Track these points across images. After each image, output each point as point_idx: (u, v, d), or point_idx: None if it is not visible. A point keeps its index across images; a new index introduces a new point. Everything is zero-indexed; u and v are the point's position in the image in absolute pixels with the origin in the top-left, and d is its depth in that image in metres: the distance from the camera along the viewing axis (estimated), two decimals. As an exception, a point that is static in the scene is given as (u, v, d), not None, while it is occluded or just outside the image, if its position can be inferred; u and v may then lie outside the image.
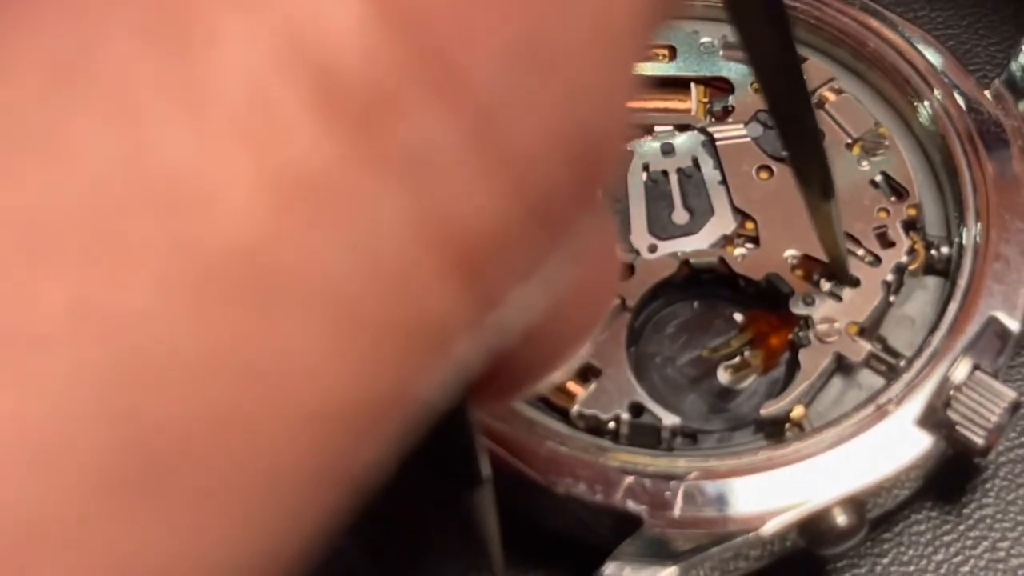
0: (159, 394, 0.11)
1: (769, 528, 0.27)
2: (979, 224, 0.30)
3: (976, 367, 0.28)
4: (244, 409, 0.11)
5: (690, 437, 0.29)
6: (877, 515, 0.28)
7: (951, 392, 0.28)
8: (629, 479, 0.27)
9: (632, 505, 0.27)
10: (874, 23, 0.33)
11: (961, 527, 0.30)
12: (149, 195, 0.11)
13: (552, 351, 0.17)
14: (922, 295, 0.31)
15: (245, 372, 0.11)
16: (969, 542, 0.29)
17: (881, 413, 0.28)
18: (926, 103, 0.32)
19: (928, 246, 0.31)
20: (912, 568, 0.29)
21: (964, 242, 0.30)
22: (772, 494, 0.27)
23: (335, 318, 0.11)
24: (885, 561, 0.29)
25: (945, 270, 0.31)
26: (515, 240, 0.12)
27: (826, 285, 0.30)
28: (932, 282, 0.31)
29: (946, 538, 0.30)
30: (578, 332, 0.17)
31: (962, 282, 0.30)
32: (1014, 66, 0.32)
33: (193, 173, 0.11)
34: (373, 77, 0.11)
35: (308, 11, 0.11)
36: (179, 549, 0.11)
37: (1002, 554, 0.29)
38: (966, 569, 0.29)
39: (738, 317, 0.31)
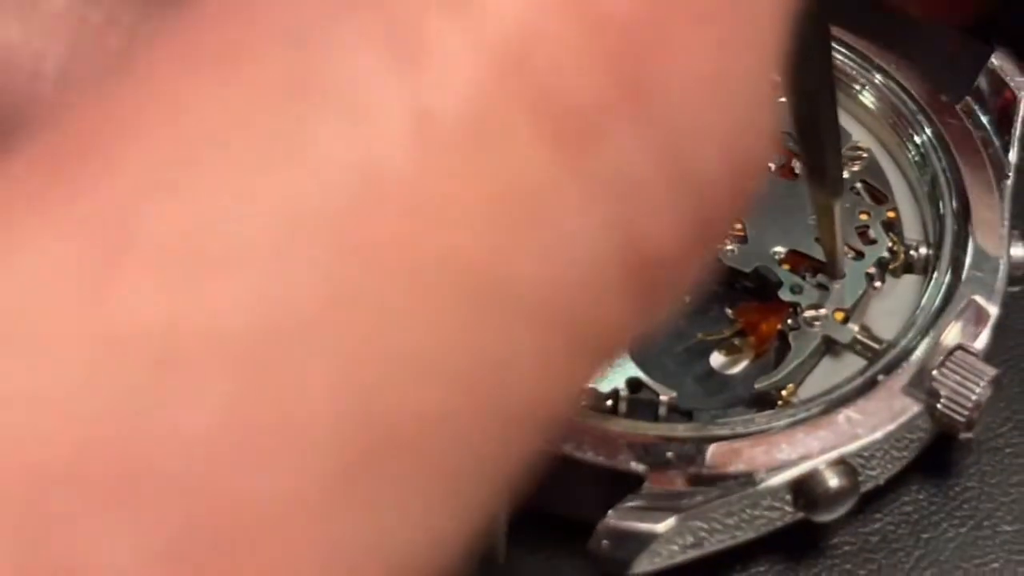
0: (392, 388, 0.12)
1: (764, 484, 0.27)
2: (956, 224, 0.32)
3: (958, 347, 0.29)
4: (462, 404, 0.12)
5: (686, 415, 0.30)
6: (868, 489, 0.29)
7: (934, 371, 0.29)
8: (630, 441, 0.28)
9: (634, 465, 0.28)
10: (847, 41, 0.35)
11: (948, 507, 0.31)
12: (378, 199, 0.11)
13: None
14: (903, 291, 0.32)
15: (465, 370, 0.12)
16: (956, 520, 0.30)
17: (870, 382, 0.29)
18: (903, 118, 0.34)
19: (907, 247, 0.33)
20: (901, 544, 0.30)
21: (942, 240, 0.32)
22: (767, 455, 0.28)
23: (540, 323, 0.12)
24: (875, 539, 0.30)
25: (924, 268, 0.32)
26: (686, 256, 0.13)
27: (813, 278, 0.32)
28: (912, 279, 0.32)
29: (934, 517, 0.31)
30: None
31: (942, 270, 0.31)
32: (981, 81, 0.34)
33: (418, 183, 0.11)
34: (584, 99, 0.12)
35: (527, 31, 0.11)
36: (399, 534, 0.12)
37: (987, 532, 0.30)
38: (953, 545, 0.30)
39: (728, 312, 0.32)
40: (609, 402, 0.30)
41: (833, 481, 0.28)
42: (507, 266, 0.12)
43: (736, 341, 0.32)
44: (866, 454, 0.28)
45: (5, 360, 0.11)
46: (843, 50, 0.35)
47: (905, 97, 0.34)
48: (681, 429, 0.29)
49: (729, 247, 0.32)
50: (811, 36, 0.24)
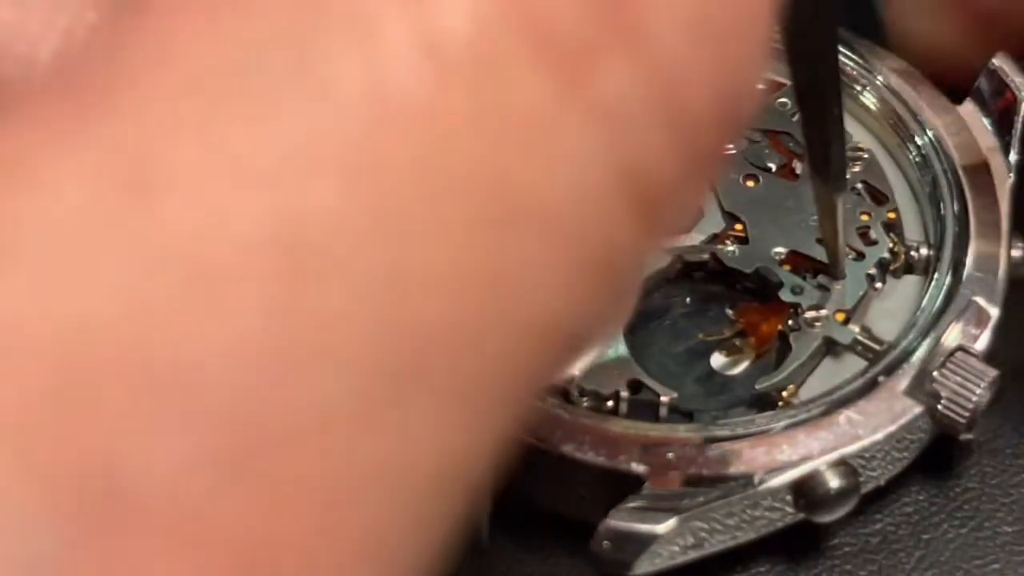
0: (418, 298, 0.12)
1: (765, 485, 0.27)
2: (956, 225, 0.32)
3: (959, 348, 0.29)
4: (484, 315, 0.13)
5: (687, 415, 0.30)
6: (869, 491, 0.29)
7: (935, 372, 0.29)
8: (631, 442, 0.28)
9: (634, 465, 0.28)
10: (849, 42, 0.35)
11: (948, 508, 0.31)
12: (393, 121, 0.12)
13: None
14: (903, 292, 0.32)
15: (485, 279, 0.13)
16: (956, 521, 0.30)
17: (871, 384, 0.29)
18: (904, 119, 0.34)
19: (908, 248, 0.33)
20: (901, 545, 0.30)
21: (943, 241, 0.32)
22: (768, 456, 0.28)
23: (550, 235, 0.13)
24: (876, 540, 0.30)
25: (925, 269, 0.32)
26: (681, 182, 0.14)
27: (814, 279, 0.32)
28: (913, 280, 0.32)
29: (934, 518, 0.31)
30: None
31: (943, 271, 0.31)
32: (982, 82, 0.34)
33: (431, 104, 0.12)
34: (580, 31, 0.13)
35: None
36: (431, 444, 0.13)
37: (988, 532, 0.30)
38: (954, 546, 0.30)
39: (729, 312, 0.32)
40: (610, 403, 0.30)
41: (834, 482, 0.28)
42: (517, 181, 0.13)
43: (737, 342, 0.32)
44: (867, 455, 0.28)
45: (61, 268, 0.11)
46: (845, 51, 0.35)
47: (906, 98, 0.34)
48: (682, 430, 0.29)
49: (730, 248, 0.32)
50: (819, 28, 0.24)
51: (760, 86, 0.15)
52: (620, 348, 0.30)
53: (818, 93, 0.26)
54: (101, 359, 0.11)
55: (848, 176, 0.33)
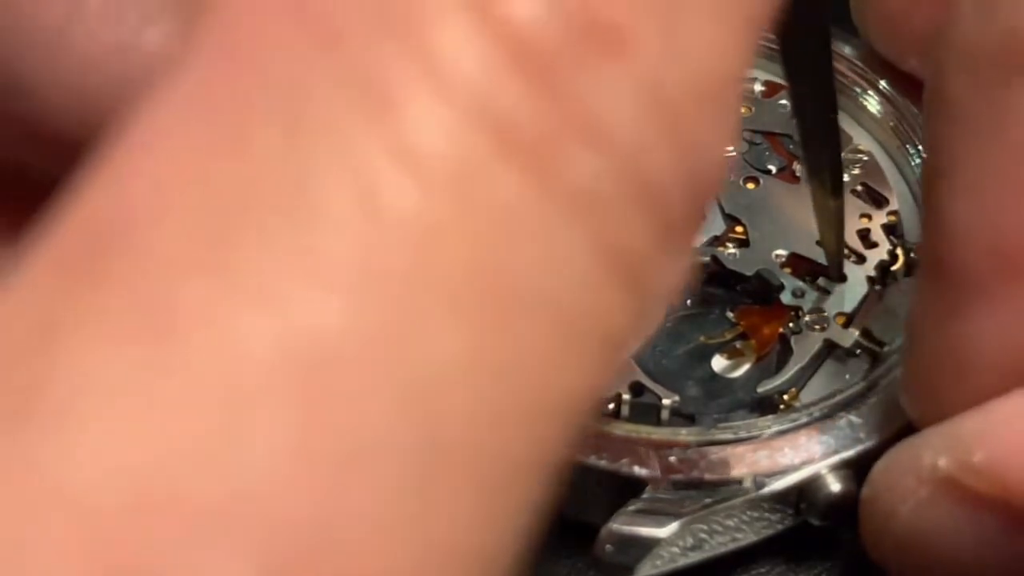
0: (436, 396, 0.13)
1: (766, 488, 0.28)
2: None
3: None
4: (498, 404, 0.13)
5: (688, 418, 0.30)
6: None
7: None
8: (633, 445, 0.28)
9: (636, 469, 0.28)
10: (845, 50, 0.35)
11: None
12: (387, 233, 0.13)
13: None
14: (904, 294, 0.32)
15: (503, 370, 0.13)
16: (956, 524, 0.30)
17: (872, 386, 0.29)
18: (905, 121, 0.34)
19: (908, 251, 0.33)
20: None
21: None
22: (769, 459, 0.28)
23: (548, 319, 0.14)
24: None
25: (925, 272, 0.32)
26: (662, 253, 0.15)
27: (815, 282, 0.32)
28: (913, 282, 0.32)
29: (934, 520, 0.31)
30: None
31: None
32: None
33: (420, 215, 0.13)
34: (538, 126, 0.13)
35: (485, 86, 0.13)
36: (460, 537, 0.13)
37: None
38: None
39: (730, 315, 0.32)
40: (611, 406, 0.30)
41: (835, 485, 0.28)
42: (507, 271, 0.13)
43: (738, 345, 0.32)
44: (868, 458, 0.28)
45: (100, 423, 0.12)
46: (846, 55, 0.35)
47: (907, 100, 0.34)
48: (683, 433, 0.29)
49: (731, 250, 0.32)
50: (812, 34, 0.24)
51: (729, 151, 0.16)
52: (621, 351, 0.30)
53: (813, 96, 0.26)
54: (151, 504, 0.12)
55: (848, 178, 0.33)
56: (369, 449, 0.12)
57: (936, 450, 0.24)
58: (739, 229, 0.33)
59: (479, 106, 0.13)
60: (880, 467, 0.27)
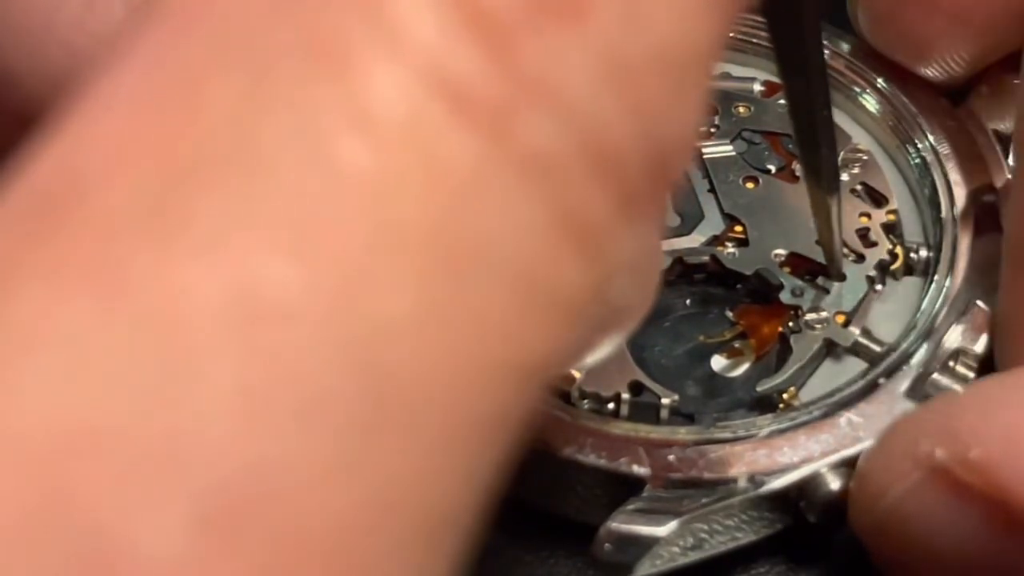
0: (387, 349, 0.13)
1: (766, 487, 0.28)
2: (957, 228, 0.32)
3: (959, 350, 0.30)
4: (449, 361, 0.13)
5: (687, 417, 0.30)
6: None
7: (935, 375, 0.29)
8: (632, 444, 0.28)
9: (636, 468, 0.28)
10: (843, 48, 0.35)
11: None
12: (343, 190, 0.13)
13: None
14: (903, 293, 0.32)
15: (453, 327, 0.13)
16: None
17: (871, 385, 0.29)
18: (904, 121, 0.34)
19: (907, 250, 0.33)
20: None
21: (943, 242, 0.32)
22: (769, 458, 0.28)
23: (504, 279, 0.14)
24: (876, 541, 0.30)
25: (925, 271, 0.32)
26: (620, 221, 0.15)
27: (814, 281, 0.32)
28: (913, 281, 0.32)
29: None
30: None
31: (942, 273, 0.31)
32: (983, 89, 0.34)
33: (373, 174, 0.13)
34: (492, 90, 0.14)
35: (442, 50, 0.13)
36: (404, 492, 0.13)
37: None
38: (954, 548, 0.30)
39: (729, 314, 0.32)
40: (611, 405, 0.30)
41: (834, 484, 0.28)
42: (461, 231, 0.14)
43: (737, 344, 0.32)
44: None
45: (54, 369, 0.12)
46: (845, 53, 0.35)
47: (906, 100, 0.34)
48: (683, 432, 0.29)
49: (730, 250, 0.32)
50: (804, 33, 0.24)
51: (698, 126, 0.16)
52: (621, 350, 0.30)
53: (807, 95, 0.26)
54: (92, 446, 0.12)
55: (847, 178, 0.33)
56: (312, 399, 0.13)
57: (934, 440, 0.24)
58: (738, 228, 0.33)
59: (435, 69, 0.13)
60: (877, 446, 0.27)
